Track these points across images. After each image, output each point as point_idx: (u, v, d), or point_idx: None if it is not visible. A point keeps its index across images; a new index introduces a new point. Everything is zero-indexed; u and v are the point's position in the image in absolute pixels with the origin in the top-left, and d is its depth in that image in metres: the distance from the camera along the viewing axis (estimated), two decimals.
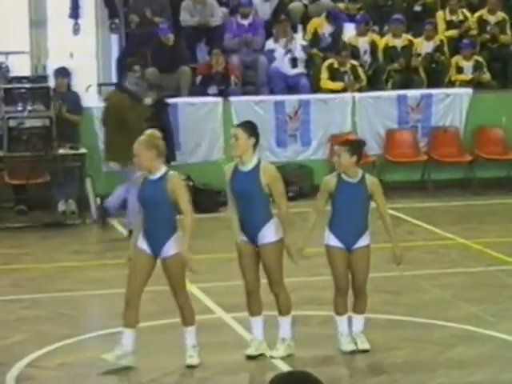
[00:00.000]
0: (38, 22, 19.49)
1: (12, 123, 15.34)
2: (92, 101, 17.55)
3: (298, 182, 15.79)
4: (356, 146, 8.99)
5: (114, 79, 18.13)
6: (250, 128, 8.71)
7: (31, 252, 14.35)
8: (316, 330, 9.74)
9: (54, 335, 9.79)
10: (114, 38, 19.14)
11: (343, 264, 8.65)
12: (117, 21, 18.59)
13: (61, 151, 15.36)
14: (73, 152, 15.57)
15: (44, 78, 17.07)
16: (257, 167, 8.55)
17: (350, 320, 8.97)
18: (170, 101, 16.25)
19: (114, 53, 19.02)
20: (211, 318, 10.52)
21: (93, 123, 16.42)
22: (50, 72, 17.24)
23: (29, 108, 15.45)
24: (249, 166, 8.46)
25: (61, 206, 15.63)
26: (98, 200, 15.56)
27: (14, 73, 17.18)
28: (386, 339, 9.33)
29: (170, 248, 8.05)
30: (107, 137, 14.99)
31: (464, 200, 16.49)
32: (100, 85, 18.89)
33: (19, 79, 16.60)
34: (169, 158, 13.42)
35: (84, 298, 12.12)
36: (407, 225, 14.39)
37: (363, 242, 8.72)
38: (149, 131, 8.71)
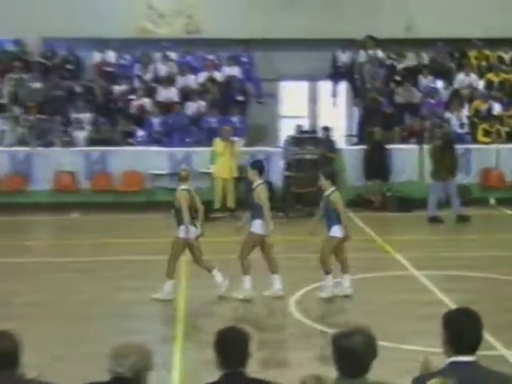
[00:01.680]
0: (313, 99, 25.53)
1: (298, 156, 20.51)
2: (341, 145, 22.61)
3: None
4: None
5: (356, 133, 23.40)
6: None
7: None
8: None
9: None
10: (355, 109, 24.17)
11: None
12: (357, 99, 23.78)
13: None
14: None
15: (315, 131, 22.71)
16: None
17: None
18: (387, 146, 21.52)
19: (355, 118, 23.86)
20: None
21: (342, 158, 21.63)
22: (319, 128, 22.75)
23: (308, 148, 20.77)
24: None
25: None
26: None
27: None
28: None
29: None
30: (435, 165, 19.39)
31: None
32: (348, 135, 24.16)
33: (303, 132, 21.84)
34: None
35: None
36: None
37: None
38: None
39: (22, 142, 21.94)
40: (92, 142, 22.08)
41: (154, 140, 22.27)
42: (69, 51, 24.22)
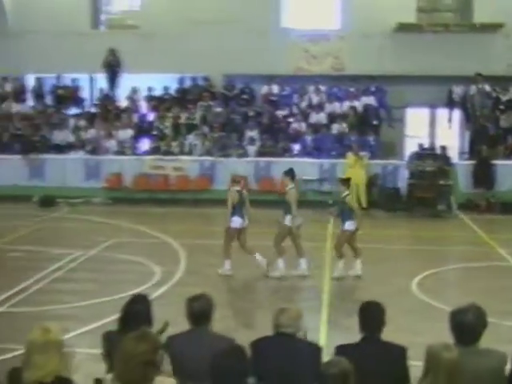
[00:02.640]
0: (432, 123, 24.81)
1: (420, 168, 20.55)
2: (455, 160, 21.92)
3: None
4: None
5: (467, 151, 22.79)
6: None
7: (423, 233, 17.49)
8: None
9: None
10: (467, 132, 23.47)
11: None
12: (469, 124, 23.14)
13: (441, 182, 20.04)
14: (443, 182, 20.14)
15: (433, 149, 21.96)
16: None
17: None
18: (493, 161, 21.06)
19: (466, 138, 23.37)
20: None
21: (456, 171, 21.12)
22: (437, 146, 22.10)
23: (428, 162, 20.77)
24: None
25: (439, 207, 20.10)
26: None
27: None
28: None
29: None
30: None
31: None
32: (460, 153, 23.49)
33: (424, 149, 21.73)
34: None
35: None
36: None
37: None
38: None
39: (208, 153, 22.50)
40: (260, 154, 22.49)
41: (306, 153, 22.52)
42: (244, 84, 24.68)
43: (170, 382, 4.54)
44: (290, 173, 12.84)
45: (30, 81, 25.70)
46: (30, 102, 25.18)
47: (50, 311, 10.57)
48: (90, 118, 24.00)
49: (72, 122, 24.21)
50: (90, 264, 13.72)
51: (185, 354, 5.25)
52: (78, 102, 25.07)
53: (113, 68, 24.38)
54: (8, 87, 25.22)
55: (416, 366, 5.13)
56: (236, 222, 12.71)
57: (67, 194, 21.64)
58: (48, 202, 21.09)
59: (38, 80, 25.53)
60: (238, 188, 13.01)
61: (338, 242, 12.60)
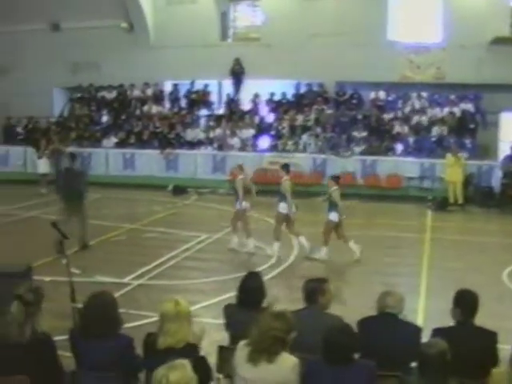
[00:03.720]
0: None
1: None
2: None
3: None
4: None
5: None
6: None
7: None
8: None
9: None
10: None
11: None
12: None
13: None
14: None
15: None
16: None
17: None
18: None
19: None
20: None
21: None
22: None
23: None
24: None
25: None
26: None
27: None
28: None
29: None
30: None
31: None
32: None
33: None
34: None
35: None
36: None
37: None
38: None
39: (320, 151, 22.42)
40: (366, 152, 22.17)
41: (408, 153, 22.02)
42: (354, 91, 24.39)
43: (292, 359, 4.56)
44: (286, 167, 13.18)
45: (168, 86, 26.37)
46: (167, 104, 25.85)
47: (180, 285, 10.85)
48: (218, 119, 24.39)
49: (202, 121, 24.78)
50: (215, 246, 13.94)
51: (303, 328, 5.27)
52: (207, 104, 25.50)
53: (238, 75, 24.79)
54: (149, 92, 25.97)
55: (505, 349, 5.05)
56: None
57: (196, 185, 22.07)
58: (180, 190, 21.59)
59: (175, 86, 26.16)
60: (241, 176, 13.39)
61: (324, 229, 12.64)
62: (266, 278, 10.38)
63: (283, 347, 4.45)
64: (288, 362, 4.50)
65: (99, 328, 4.82)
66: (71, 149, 21.42)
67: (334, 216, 12.48)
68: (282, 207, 12.83)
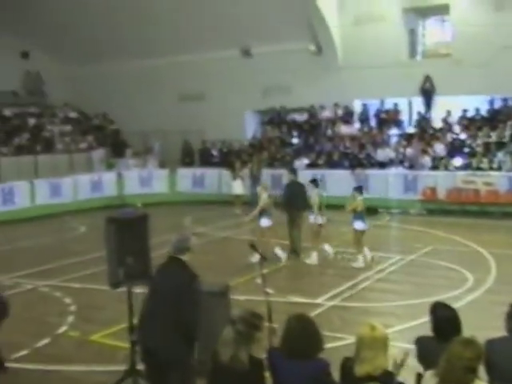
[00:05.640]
0: None
1: None
2: None
3: None
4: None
5: None
6: None
7: None
8: None
9: None
10: None
11: None
12: None
13: None
14: None
15: None
16: None
17: None
18: None
19: None
20: None
21: None
22: None
23: None
24: None
25: None
26: None
27: None
28: None
29: None
30: None
31: None
32: None
33: None
34: None
35: None
36: None
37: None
38: None
39: None
40: None
41: None
42: None
43: None
44: (314, 182, 14.47)
45: (357, 106, 26.50)
46: (357, 124, 25.95)
47: (373, 308, 10.86)
48: (409, 138, 24.09)
49: (393, 141, 24.57)
50: (409, 268, 13.80)
51: (504, 358, 5.06)
52: (398, 123, 25.28)
53: (428, 92, 24.34)
54: (339, 112, 26.22)
55: None
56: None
57: (387, 205, 21.95)
58: (371, 210, 21.39)
59: (364, 105, 26.27)
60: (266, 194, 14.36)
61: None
62: (464, 302, 10.11)
63: (474, 377, 4.30)
64: None
65: (302, 349, 4.89)
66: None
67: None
68: (312, 218, 14.22)
